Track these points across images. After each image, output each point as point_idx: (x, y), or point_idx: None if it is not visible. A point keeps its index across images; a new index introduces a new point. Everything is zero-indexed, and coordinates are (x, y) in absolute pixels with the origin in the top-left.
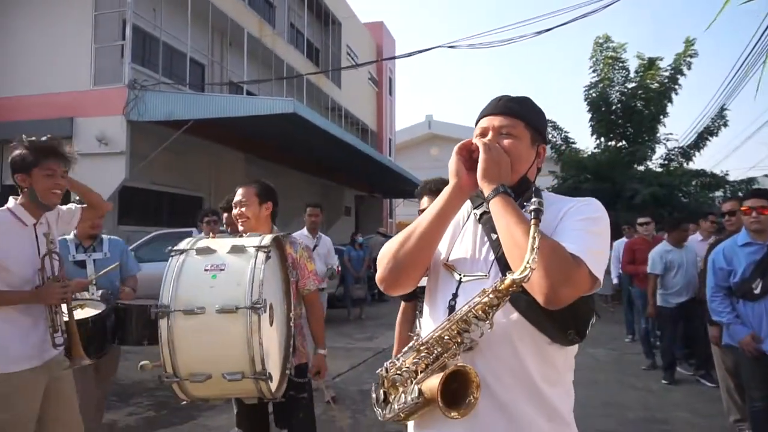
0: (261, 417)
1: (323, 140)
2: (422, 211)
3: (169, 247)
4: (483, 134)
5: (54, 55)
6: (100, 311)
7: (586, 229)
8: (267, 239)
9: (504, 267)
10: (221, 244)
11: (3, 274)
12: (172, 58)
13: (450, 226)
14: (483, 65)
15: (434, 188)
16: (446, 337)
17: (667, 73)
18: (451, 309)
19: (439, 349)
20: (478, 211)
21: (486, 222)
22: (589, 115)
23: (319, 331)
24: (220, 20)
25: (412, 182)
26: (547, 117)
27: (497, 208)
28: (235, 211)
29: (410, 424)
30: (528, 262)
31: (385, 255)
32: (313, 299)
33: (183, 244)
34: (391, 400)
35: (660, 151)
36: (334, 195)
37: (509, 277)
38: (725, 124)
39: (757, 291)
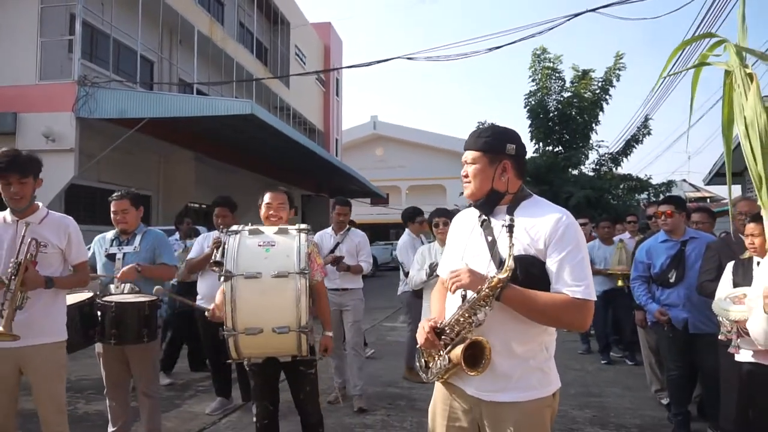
0: (273, 389)
1: (276, 141)
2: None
3: (225, 230)
4: (462, 164)
5: None
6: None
7: (579, 262)
8: (303, 225)
9: (498, 264)
10: (266, 229)
11: None
12: (121, 54)
13: (466, 227)
14: (427, 66)
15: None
16: (461, 320)
17: (598, 84)
18: (464, 297)
19: (458, 328)
20: (480, 219)
21: (485, 227)
22: (529, 122)
23: (326, 315)
24: (171, 17)
25: (359, 182)
26: (491, 122)
27: (510, 304)
28: (269, 212)
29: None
30: (507, 266)
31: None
32: (320, 288)
33: (235, 227)
34: (430, 366)
35: (592, 156)
36: None
37: (497, 277)
38: (649, 133)
39: (672, 279)
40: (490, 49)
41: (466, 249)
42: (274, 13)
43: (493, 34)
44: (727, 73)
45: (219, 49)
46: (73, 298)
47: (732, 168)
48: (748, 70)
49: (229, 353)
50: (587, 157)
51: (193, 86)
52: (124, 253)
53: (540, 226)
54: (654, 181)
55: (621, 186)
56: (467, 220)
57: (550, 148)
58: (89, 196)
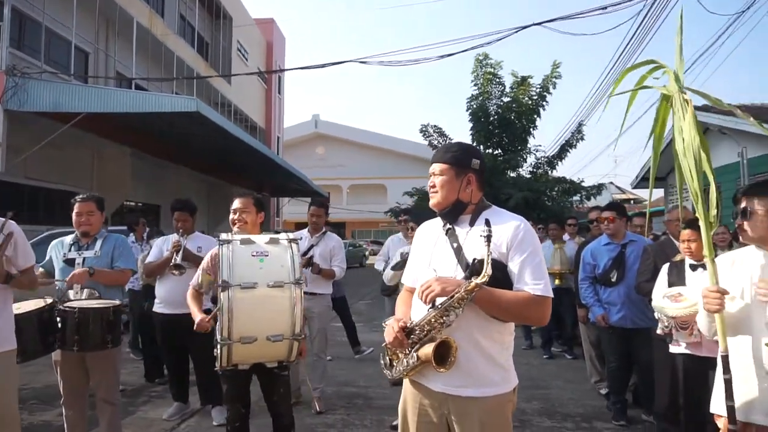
0: (246, 392)
1: (218, 138)
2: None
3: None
4: (430, 175)
5: None
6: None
7: (538, 263)
8: (292, 235)
9: (464, 268)
10: (257, 238)
11: None
12: (54, 44)
13: (431, 236)
14: (369, 68)
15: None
16: (433, 321)
17: (536, 91)
18: (433, 300)
19: (428, 328)
20: (445, 228)
21: (450, 235)
22: (470, 125)
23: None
24: (108, 7)
25: (300, 181)
26: (434, 124)
27: (481, 304)
28: (234, 216)
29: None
30: (485, 272)
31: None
32: None
33: (225, 236)
34: (395, 364)
35: (530, 159)
36: (221, 193)
37: (474, 281)
38: (582, 138)
39: (614, 279)
40: (442, 56)
41: (432, 256)
42: (216, 8)
43: (444, 41)
44: (665, 97)
45: (159, 43)
46: (32, 305)
47: (656, 174)
48: (685, 96)
49: (218, 361)
50: (525, 160)
51: (130, 80)
52: (84, 258)
53: (502, 232)
54: (586, 184)
55: (556, 188)
56: (431, 230)
57: (491, 151)
58: (16, 193)
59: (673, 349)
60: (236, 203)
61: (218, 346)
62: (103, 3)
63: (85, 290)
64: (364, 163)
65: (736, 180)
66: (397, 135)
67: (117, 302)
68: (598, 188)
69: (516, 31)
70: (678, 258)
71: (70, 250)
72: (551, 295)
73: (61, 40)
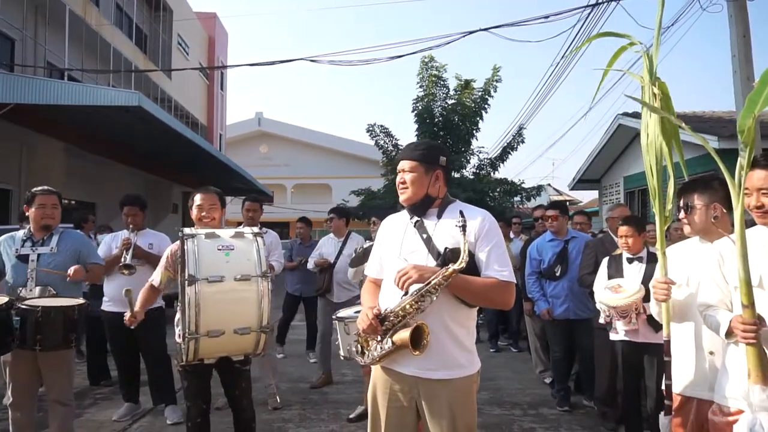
0: (207, 388)
1: (158, 134)
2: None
3: (180, 232)
4: (399, 172)
5: None
6: None
7: (502, 252)
8: (256, 229)
9: (436, 257)
10: (221, 232)
11: None
12: None
13: (398, 228)
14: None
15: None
16: (408, 307)
17: (479, 94)
18: (407, 287)
19: (402, 314)
20: (413, 220)
21: (419, 227)
22: (416, 126)
23: None
24: None
25: (244, 179)
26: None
27: (455, 289)
28: (201, 213)
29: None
30: (463, 258)
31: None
32: None
33: (189, 231)
34: (366, 351)
35: (473, 161)
36: (160, 191)
37: (451, 267)
38: (523, 141)
39: (558, 273)
40: (392, 58)
41: (402, 247)
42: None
43: (394, 43)
44: (644, 89)
45: (94, 33)
46: None
47: (591, 176)
48: (655, 90)
49: (183, 357)
50: (469, 162)
51: (62, 71)
52: (39, 254)
53: (470, 223)
54: (526, 185)
55: (498, 189)
56: (396, 223)
57: None
58: None
59: (613, 336)
60: (200, 199)
61: (184, 341)
62: None
63: (37, 288)
64: (308, 162)
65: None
66: (343, 135)
67: (81, 300)
68: (538, 189)
69: (463, 36)
70: (617, 252)
71: (22, 246)
72: (515, 280)
73: None
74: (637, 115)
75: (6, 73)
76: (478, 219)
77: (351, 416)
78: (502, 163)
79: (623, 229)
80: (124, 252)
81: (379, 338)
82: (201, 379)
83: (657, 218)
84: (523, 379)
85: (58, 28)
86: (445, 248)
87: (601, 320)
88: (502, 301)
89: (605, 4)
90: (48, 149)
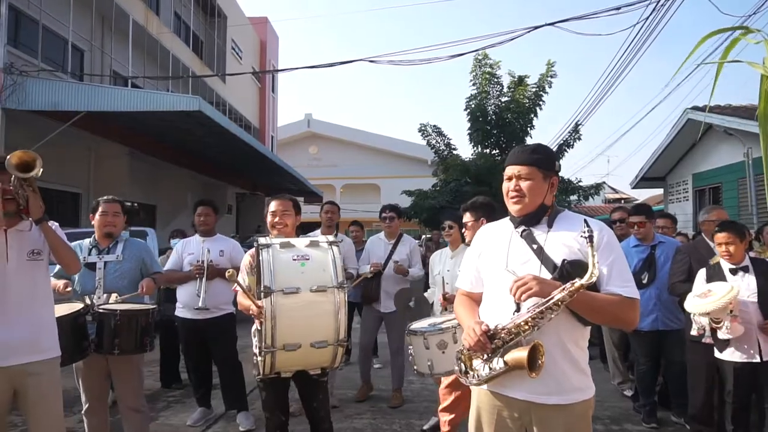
0: (285, 399)
1: (216, 137)
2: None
3: (255, 241)
4: (509, 179)
5: None
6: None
7: (625, 266)
8: (331, 237)
9: (551, 269)
10: (297, 241)
11: None
12: (50, 41)
13: (500, 238)
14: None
15: (476, 205)
16: (523, 324)
17: (533, 90)
18: (517, 303)
19: (515, 332)
20: (519, 230)
21: (527, 237)
22: (468, 125)
23: None
24: (104, 3)
25: (296, 180)
26: (434, 124)
27: (577, 306)
28: (274, 219)
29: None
30: (593, 272)
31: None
32: None
33: (264, 240)
34: (471, 371)
35: None
36: (215, 192)
37: (579, 282)
38: (579, 138)
39: (645, 281)
40: (453, 56)
41: (509, 258)
42: (210, 6)
43: (453, 41)
44: (765, 78)
45: (154, 40)
46: (65, 308)
47: (658, 173)
48: None
49: (260, 369)
50: None
51: (126, 79)
52: (105, 262)
53: (579, 234)
54: (583, 184)
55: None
56: (497, 232)
57: (488, 150)
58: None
59: (719, 355)
60: (274, 205)
61: (260, 354)
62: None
63: (105, 295)
64: (357, 162)
65: (739, 179)
66: (392, 134)
67: (153, 305)
68: (596, 188)
69: (528, 31)
70: (713, 261)
71: (89, 254)
72: (639, 297)
73: (57, 37)
74: (710, 108)
75: (77, 82)
76: (596, 230)
77: (425, 427)
78: (558, 161)
79: (722, 236)
80: (198, 280)
81: (486, 357)
82: (279, 390)
83: None
84: (600, 391)
85: (122, 37)
86: (563, 260)
87: (694, 332)
88: (627, 319)
89: None
90: (113, 153)
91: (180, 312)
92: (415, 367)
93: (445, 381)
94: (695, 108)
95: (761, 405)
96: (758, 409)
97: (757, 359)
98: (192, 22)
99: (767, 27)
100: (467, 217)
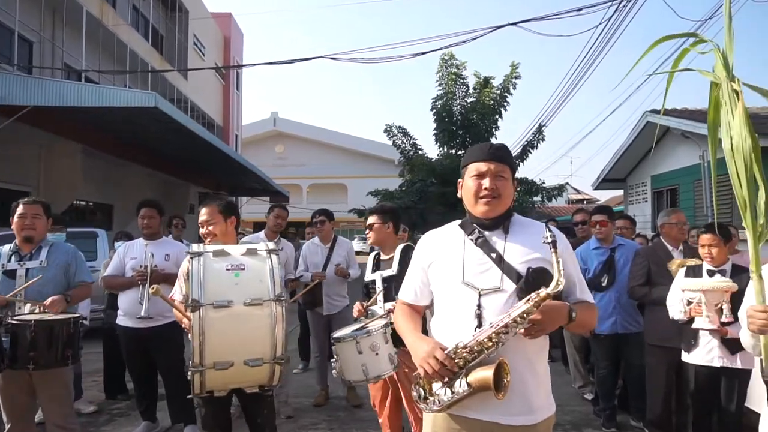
0: (226, 415)
1: (175, 135)
2: (369, 225)
3: (186, 250)
4: (481, 176)
5: None
6: None
7: (579, 271)
8: (272, 244)
9: (515, 278)
10: (232, 249)
11: None
12: None
13: (451, 247)
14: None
15: (385, 209)
16: (486, 341)
17: (497, 92)
18: (479, 317)
19: (478, 350)
20: (473, 237)
21: (482, 244)
22: (434, 125)
23: None
24: None
25: (261, 179)
26: (399, 125)
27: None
28: (203, 230)
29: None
30: (558, 281)
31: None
32: None
33: (196, 248)
34: (431, 396)
35: None
36: (177, 192)
37: (545, 291)
38: (543, 139)
39: (604, 284)
40: (416, 55)
41: (465, 269)
42: (171, 0)
43: (418, 39)
44: (714, 85)
45: (110, 34)
46: None
47: (621, 175)
48: (734, 86)
49: (191, 389)
50: None
51: (79, 73)
52: (27, 269)
53: (538, 239)
54: (546, 185)
55: (518, 189)
56: (448, 240)
57: (454, 151)
58: None
59: (685, 358)
60: (200, 215)
61: (189, 373)
62: None
63: (27, 305)
64: (324, 162)
65: (695, 182)
66: (359, 134)
67: (76, 314)
68: (559, 189)
69: (490, 31)
70: (692, 263)
71: (9, 260)
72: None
73: (3, 28)
74: (667, 112)
75: (24, 75)
76: (555, 234)
77: None
78: (522, 162)
79: (706, 238)
80: (141, 286)
81: (446, 379)
82: (217, 407)
83: (749, 234)
84: (560, 395)
85: (75, 29)
86: (529, 268)
87: (678, 316)
88: (593, 324)
89: None
90: (66, 151)
91: (121, 320)
92: (343, 377)
93: (374, 392)
94: (654, 111)
95: (723, 414)
96: (719, 417)
97: (718, 363)
98: (151, 15)
99: (722, 32)
100: (374, 219)
